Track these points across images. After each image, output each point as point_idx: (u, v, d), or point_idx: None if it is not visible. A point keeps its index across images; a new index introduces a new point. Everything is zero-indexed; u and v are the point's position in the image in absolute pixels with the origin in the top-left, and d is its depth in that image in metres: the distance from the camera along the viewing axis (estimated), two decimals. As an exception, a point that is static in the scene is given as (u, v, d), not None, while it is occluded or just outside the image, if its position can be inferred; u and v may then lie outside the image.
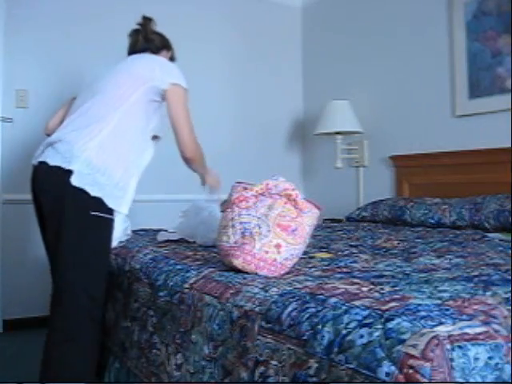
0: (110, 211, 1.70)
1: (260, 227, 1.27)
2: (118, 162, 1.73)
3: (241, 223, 1.28)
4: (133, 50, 2.04)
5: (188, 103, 1.88)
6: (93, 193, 1.64)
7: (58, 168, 1.65)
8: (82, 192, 1.63)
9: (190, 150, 1.87)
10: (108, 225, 1.71)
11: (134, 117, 1.81)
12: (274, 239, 1.26)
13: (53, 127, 1.94)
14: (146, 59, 1.93)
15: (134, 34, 2.06)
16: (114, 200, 1.70)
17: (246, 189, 1.34)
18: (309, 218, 1.32)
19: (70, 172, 1.63)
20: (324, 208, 1.39)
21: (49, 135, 1.90)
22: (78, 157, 1.65)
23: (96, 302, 1.67)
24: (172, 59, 2.12)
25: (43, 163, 1.70)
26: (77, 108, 1.84)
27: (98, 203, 1.66)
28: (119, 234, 1.83)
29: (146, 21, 2.05)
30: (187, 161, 1.90)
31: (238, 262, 1.27)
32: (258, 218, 1.28)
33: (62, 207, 1.63)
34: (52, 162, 1.67)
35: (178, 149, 1.88)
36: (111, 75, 1.87)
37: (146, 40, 2.03)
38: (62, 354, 1.59)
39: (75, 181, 1.63)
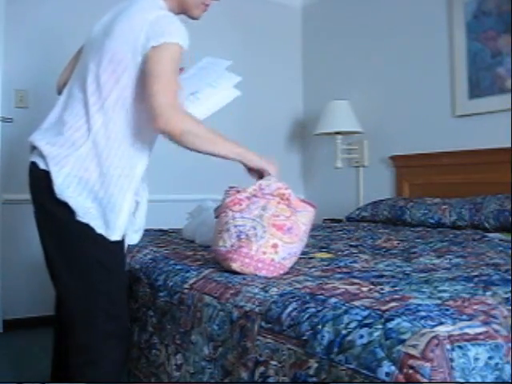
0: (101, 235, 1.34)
1: (255, 229, 1.26)
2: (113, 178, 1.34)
3: (235, 226, 1.28)
4: None
5: (178, 62, 1.37)
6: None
7: (46, 173, 1.33)
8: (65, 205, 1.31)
9: (164, 118, 1.26)
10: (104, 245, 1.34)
11: (125, 112, 1.37)
12: (271, 239, 1.25)
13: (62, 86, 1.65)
14: (131, 20, 1.42)
15: None
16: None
17: (238, 192, 1.34)
18: (303, 217, 1.32)
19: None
20: (317, 207, 1.38)
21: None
22: (62, 166, 1.32)
23: (118, 320, 1.38)
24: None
25: (34, 164, 1.38)
26: (70, 91, 1.49)
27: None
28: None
29: None
30: (169, 137, 1.31)
31: (236, 266, 1.27)
32: (253, 219, 1.28)
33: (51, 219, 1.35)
34: (41, 165, 1.35)
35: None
36: (95, 52, 1.47)
37: None
38: (83, 377, 1.37)
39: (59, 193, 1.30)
